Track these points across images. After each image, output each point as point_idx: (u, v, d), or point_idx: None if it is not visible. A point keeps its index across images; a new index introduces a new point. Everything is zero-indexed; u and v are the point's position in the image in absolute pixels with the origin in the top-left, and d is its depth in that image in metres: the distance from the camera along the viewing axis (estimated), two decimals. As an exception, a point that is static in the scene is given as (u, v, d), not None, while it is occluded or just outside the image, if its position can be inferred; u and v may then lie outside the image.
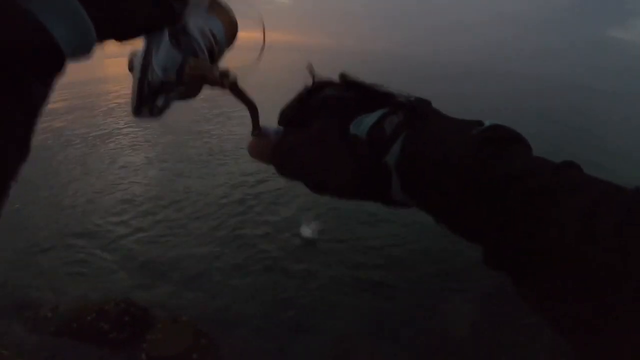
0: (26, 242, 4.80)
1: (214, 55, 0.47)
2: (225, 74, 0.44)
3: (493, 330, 3.83)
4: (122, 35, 0.32)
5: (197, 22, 0.46)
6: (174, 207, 5.85)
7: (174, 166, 7.46)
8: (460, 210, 0.35)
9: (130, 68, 0.45)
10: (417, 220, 5.63)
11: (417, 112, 0.39)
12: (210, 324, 3.60)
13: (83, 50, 0.28)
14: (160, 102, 0.45)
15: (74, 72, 0.35)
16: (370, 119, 0.39)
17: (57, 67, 0.27)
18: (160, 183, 6.68)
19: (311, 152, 0.41)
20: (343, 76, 0.44)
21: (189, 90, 0.46)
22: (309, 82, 0.46)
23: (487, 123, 0.37)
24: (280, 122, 0.47)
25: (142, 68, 0.43)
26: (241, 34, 0.51)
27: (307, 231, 5.11)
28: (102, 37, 0.29)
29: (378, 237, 5.28)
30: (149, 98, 0.45)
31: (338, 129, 0.41)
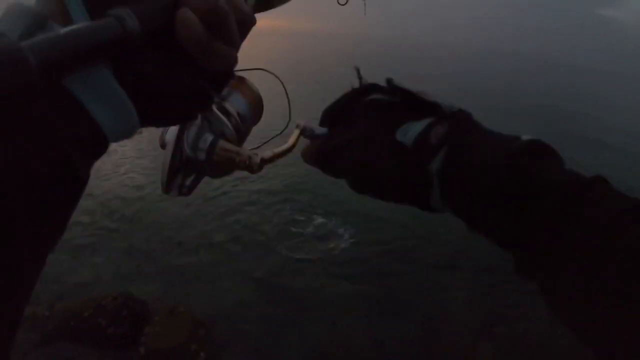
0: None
1: (241, 133, 0.49)
2: (252, 158, 0.45)
3: (488, 306, 3.88)
4: (162, 124, 0.35)
5: (224, 103, 0.48)
6: (170, 199, 5.83)
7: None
8: (497, 216, 0.37)
9: (162, 145, 0.47)
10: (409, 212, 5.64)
11: (460, 123, 0.42)
12: (208, 315, 3.61)
13: (126, 136, 0.31)
14: (189, 180, 0.47)
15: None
16: (416, 127, 0.41)
17: (101, 152, 0.30)
18: (152, 173, 6.65)
19: (357, 152, 0.43)
20: (390, 81, 0.46)
21: (218, 170, 0.48)
22: (355, 84, 0.48)
23: (524, 137, 0.39)
24: (323, 121, 0.49)
25: (174, 147, 0.45)
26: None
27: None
28: (144, 124, 0.32)
29: (370, 222, 5.29)
30: (179, 176, 0.47)
31: (385, 133, 0.42)
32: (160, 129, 0.46)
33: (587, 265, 0.31)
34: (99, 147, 0.29)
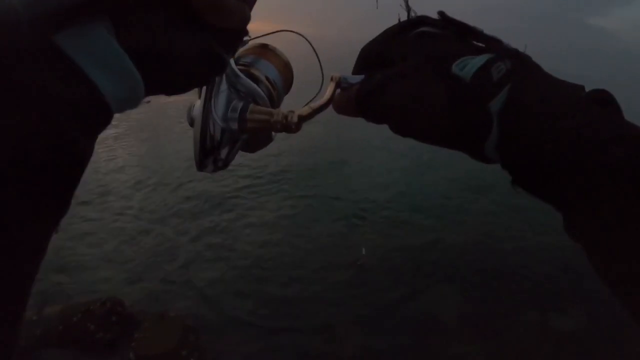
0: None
1: (274, 100, 0.46)
2: (288, 116, 0.42)
3: (480, 315, 3.90)
4: (171, 91, 0.31)
5: (252, 69, 0.46)
6: (158, 202, 5.80)
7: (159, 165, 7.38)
8: (556, 168, 0.33)
9: (191, 122, 0.44)
10: (399, 213, 5.68)
11: (524, 63, 0.38)
12: (198, 320, 3.60)
13: (130, 105, 0.28)
14: (224, 153, 0.45)
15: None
16: (476, 61, 0.37)
17: (104, 123, 0.27)
18: (141, 177, 6.61)
19: (406, 86, 0.38)
20: (442, 13, 0.41)
21: (254, 138, 0.45)
22: (402, 17, 0.43)
23: (587, 90, 0.35)
24: (359, 62, 0.44)
25: (203, 120, 0.43)
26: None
27: None
28: (150, 92, 0.29)
29: (362, 230, 5.30)
30: (213, 150, 0.44)
31: (436, 66, 0.38)
32: (188, 108, 0.45)
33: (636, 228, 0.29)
34: (101, 117, 0.26)
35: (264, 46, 0.50)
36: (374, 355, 3.48)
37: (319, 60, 0.56)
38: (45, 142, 0.22)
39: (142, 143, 8.49)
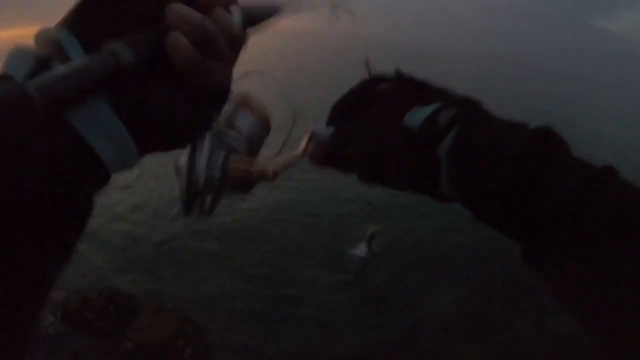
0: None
1: (253, 148, 0.50)
2: (267, 168, 0.46)
3: (477, 310, 3.91)
4: (163, 150, 0.34)
5: (232, 120, 0.49)
6: (158, 193, 5.80)
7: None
8: (506, 203, 0.36)
9: (177, 171, 0.47)
10: (400, 212, 5.68)
11: (469, 108, 0.41)
12: (195, 311, 3.61)
13: (126, 167, 0.31)
14: (208, 201, 0.48)
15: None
16: (425, 111, 0.41)
17: (104, 182, 0.31)
18: (141, 168, 6.60)
19: (365, 140, 0.42)
20: (397, 71, 0.46)
21: (236, 186, 0.48)
22: (364, 76, 0.48)
23: (532, 125, 0.38)
24: (331, 116, 0.48)
25: (187, 170, 0.46)
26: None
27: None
28: (145, 152, 0.32)
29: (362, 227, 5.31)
30: (198, 198, 0.47)
31: (392, 119, 0.42)
32: (175, 159, 0.47)
33: (598, 260, 0.31)
34: (101, 178, 0.30)
35: (243, 96, 0.53)
36: (370, 348, 3.49)
37: (289, 102, 0.61)
38: (54, 200, 0.26)
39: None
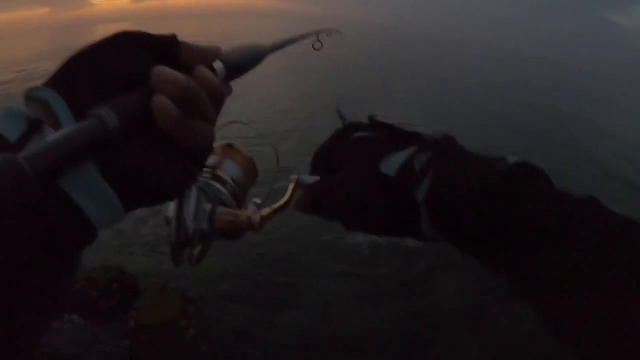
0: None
1: (239, 198, 0.51)
2: (251, 217, 0.47)
3: (479, 306, 3.91)
4: (148, 205, 0.36)
5: (217, 171, 0.50)
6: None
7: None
8: (487, 242, 0.37)
9: (166, 222, 0.49)
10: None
11: (443, 149, 0.42)
12: (198, 292, 3.64)
13: (112, 223, 0.33)
14: (197, 251, 0.49)
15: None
16: (399, 157, 0.41)
17: (92, 239, 0.33)
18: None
19: (344, 192, 0.43)
20: (372, 118, 0.47)
21: (224, 235, 0.50)
22: (340, 125, 0.50)
23: (511, 159, 0.39)
24: (313, 165, 0.50)
25: (176, 222, 0.47)
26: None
27: None
28: (131, 208, 0.34)
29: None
30: (186, 248, 0.49)
31: (369, 168, 0.43)
32: (165, 212, 0.49)
33: (577, 290, 0.32)
34: (89, 236, 0.32)
35: (228, 146, 0.54)
36: (370, 338, 3.51)
37: (277, 157, 0.63)
38: (45, 262, 0.28)
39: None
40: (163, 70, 0.32)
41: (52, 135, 0.29)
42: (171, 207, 0.48)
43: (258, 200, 0.50)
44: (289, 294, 3.84)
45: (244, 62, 0.40)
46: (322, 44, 0.52)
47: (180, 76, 0.32)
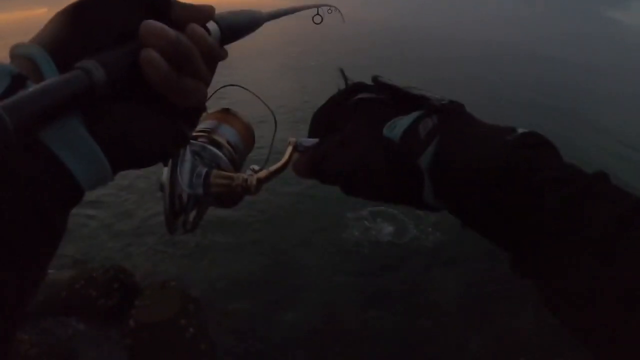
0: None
1: (235, 162, 0.49)
2: (248, 179, 0.45)
3: (479, 303, 3.92)
4: (138, 166, 0.34)
5: (214, 135, 0.49)
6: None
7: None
8: (492, 214, 0.35)
9: (161, 188, 0.47)
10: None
11: (451, 115, 0.39)
12: (198, 291, 3.64)
13: (100, 183, 0.31)
14: (192, 216, 0.48)
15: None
16: (404, 121, 0.39)
17: (77, 200, 0.31)
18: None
19: (345, 155, 0.42)
20: (376, 79, 0.45)
21: (219, 201, 0.48)
22: (341, 85, 0.47)
23: (519, 130, 0.37)
24: (312, 127, 0.48)
25: (170, 187, 0.46)
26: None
27: None
28: (120, 168, 0.32)
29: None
30: (181, 214, 0.47)
31: (372, 131, 0.41)
32: (159, 177, 0.48)
33: (587, 269, 0.30)
34: (74, 196, 0.30)
35: (225, 110, 0.53)
36: (372, 335, 3.52)
37: (275, 121, 0.61)
38: (26, 219, 0.27)
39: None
40: (152, 24, 0.31)
41: (33, 87, 0.26)
42: (165, 172, 0.47)
43: (256, 167, 0.48)
44: (289, 293, 3.84)
45: (239, 26, 0.39)
46: (322, 18, 0.51)
47: (170, 30, 0.31)
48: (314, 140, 0.47)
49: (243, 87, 0.61)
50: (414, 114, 0.40)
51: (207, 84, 0.36)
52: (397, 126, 0.39)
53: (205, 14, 0.35)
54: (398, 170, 0.39)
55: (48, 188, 0.28)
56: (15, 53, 0.30)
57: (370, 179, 0.41)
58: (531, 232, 0.33)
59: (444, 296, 3.95)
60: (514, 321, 3.65)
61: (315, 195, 5.38)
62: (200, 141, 0.47)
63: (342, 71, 0.48)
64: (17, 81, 0.27)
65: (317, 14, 0.51)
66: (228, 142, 0.49)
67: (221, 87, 0.53)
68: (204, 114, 0.52)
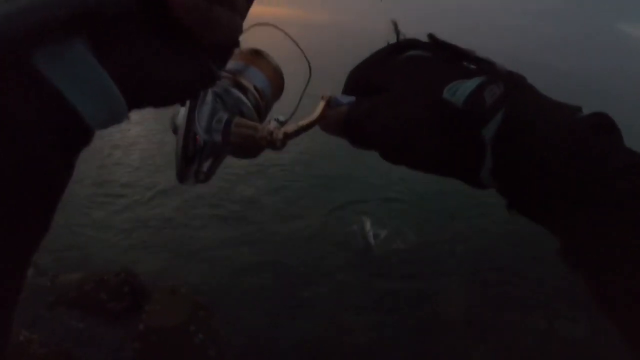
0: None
1: (261, 110, 0.44)
2: (274, 132, 0.40)
3: (484, 311, 3.89)
4: (158, 104, 0.30)
5: (239, 78, 0.43)
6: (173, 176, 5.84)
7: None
8: (553, 197, 0.32)
9: (174, 130, 0.42)
10: (411, 206, 5.65)
11: (518, 84, 0.36)
12: (208, 297, 3.65)
13: (113, 122, 0.26)
14: (206, 166, 0.43)
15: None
16: (468, 85, 0.35)
17: (85, 142, 0.26)
18: (158, 153, 6.65)
19: (394, 113, 0.37)
20: (432, 36, 0.39)
21: (238, 152, 0.43)
22: (391, 40, 0.41)
23: (584, 112, 0.34)
24: (347, 85, 0.42)
25: (185, 131, 0.41)
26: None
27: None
28: (136, 106, 0.28)
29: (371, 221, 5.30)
30: (194, 162, 0.43)
31: (428, 92, 0.36)
32: (171, 116, 0.43)
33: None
34: (82, 138, 0.25)
35: (254, 52, 0.47)
36: (377, 346, 3.50)
37: (306, 57, 0.53)
38: (23, 164, 0.22)
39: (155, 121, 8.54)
40: None
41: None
42: (181, 113, 0.42)
43: (281, 118, 0.43)
44: (297, 301, 3.84)
45: None
46: None
47: None
48: (351, 98, 0.41)
49: (279, 29, 0.53)
50: (478, 78, 0.35)
51: (243, 17, 0.31)
52: (459, 89, 0.35)
53: None
54: (456, 139, 0.35)
55: (46, 127, 0.23)
56: None
57: (420, 145, 0.36)
58: (596, 220, 0.30)
59: (451, 308, 3.93)
60: (521, 334, 3.62)
61: (325, 201, 5.39)
62: (224, 83, 0.42)
63: (395, 24, 0.42)
64: None
65: None
66: (255, 87, 0.44)
67: (254, 25, 0.46)
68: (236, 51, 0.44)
